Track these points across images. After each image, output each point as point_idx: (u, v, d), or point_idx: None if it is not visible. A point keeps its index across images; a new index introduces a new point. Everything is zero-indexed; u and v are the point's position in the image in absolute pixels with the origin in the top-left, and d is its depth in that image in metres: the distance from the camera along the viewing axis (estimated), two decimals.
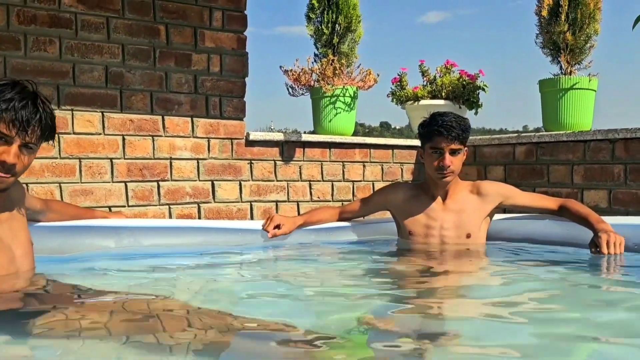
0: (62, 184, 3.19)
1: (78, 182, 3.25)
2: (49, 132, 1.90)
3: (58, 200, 3.08)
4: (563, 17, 3.96)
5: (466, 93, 4.33)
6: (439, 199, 2.90)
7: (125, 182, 3.38)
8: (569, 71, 4.03)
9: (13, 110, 1.78)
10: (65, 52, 3.22)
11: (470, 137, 2.94)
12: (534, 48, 4.20)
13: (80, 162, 3.25)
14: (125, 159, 3.38)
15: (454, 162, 2.77)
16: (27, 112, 1.81)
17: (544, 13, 4.06)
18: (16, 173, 1.86)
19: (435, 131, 2.76)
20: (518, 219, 3.11)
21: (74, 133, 3.24)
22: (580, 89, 3.95)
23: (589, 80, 3.96)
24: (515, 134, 4.20)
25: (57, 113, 3.15)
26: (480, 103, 4.39)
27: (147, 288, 2.08)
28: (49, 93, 3.17)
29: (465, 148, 2.84)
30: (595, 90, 4.01)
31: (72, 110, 3.23)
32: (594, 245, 2.51)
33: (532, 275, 2.39)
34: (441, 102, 4.35)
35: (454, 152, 2.76)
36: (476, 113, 4.43)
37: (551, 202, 2.90)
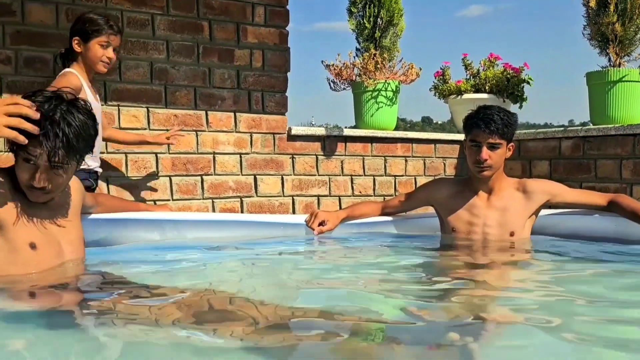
0: (109, 178, 3.26)
1: (124, 177, 3.31)
2: (74, 152, 1.85)
3: (105, 194, 3.15)
4: (612, 7, 3.86)
5: (510, 86, 4.26)
6: (484, 195, 2.85)
7: (169, 177, 3.43)
8: (617, 63, 3.92)
9: (41, 131, 1.78)
10: None
11: (515, 132, 2.88)
12: (581, 40, 4.10)
13: (126, 156, 3.32)
14: (169, 153, 3.44)
15: (492, 157, 2.70)
16: (50, 133, 1.79)
17: (592, 3, 3.95)
18: (52, 191, 1.90)
19: (474, 124, 2.72)
20: (564, 215, 3.04)
21: (120, 128, 3.30)
22: (629, 81, 3.84)
23: (639, 73, 3.85)
24: (561, 128, 4.12)
25: (104, 109, 3.22)
26: (524, 97, 4.31)
27: (195, 280, 2.11)
28: (96, 89, 3.24)
29: (510, 144, 2.78)
30: None
31: (118, 105, 3.30)
32: None
33: (577, 272, 2.34)
34: (485, 95, 4.28)
35: (492, 147, 2.70)
36: (521, 107, 4.35)
37: (600, 198, 2.82)
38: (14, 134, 1.73)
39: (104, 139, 3.13)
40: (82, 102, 1.90)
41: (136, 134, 3.30)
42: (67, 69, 2.82)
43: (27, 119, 1.75)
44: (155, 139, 3.28)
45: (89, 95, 2.80)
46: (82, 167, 2.69)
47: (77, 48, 2.83)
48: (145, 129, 3.37)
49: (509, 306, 1.79)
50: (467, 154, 2.80)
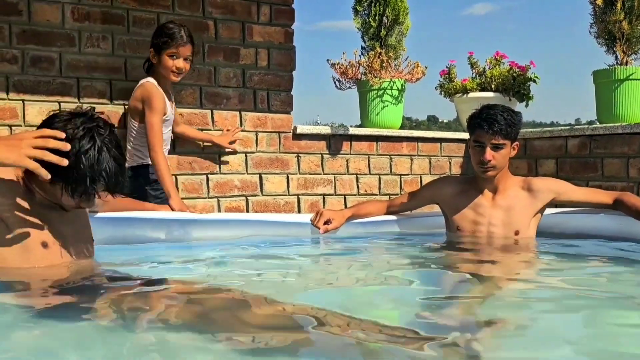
0: None
1: None
2: (114, 186, 1.86)
3: None
4: (619, 5, 3.84)
5: (516, 85, 4.25)
6: (488, 194, 2.85)
7: (175, 175, 3.44)
8: (624, 61, 3.90)
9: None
10: (117, 48, 3.30)
11: (521, 130, 2.87)
12: (587, 38, 4.09)
13: None
14: (175, 152, 3.44)
15: (496, 157, 2.69)
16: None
17: (599, 2, 3.93)
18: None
19: (477, 124, 2.71)
20: (569, 214, 3.03)
21: (126, 127, 3.30)
22: (636, 79, 3.82)
23: None
24: (568, 127, 4.10)
25: (110, 107, 3.24)
26: (531, 95, 4.30)
27: (203, 279, 2.11)
28: (102, 88, 3.25)
29: (515, 143, 2.76)
30: None
31: (124, 105, 3.30)
32: None
33: (582, 271, 2.33)
34: (491, 94, 4.27)
35: (496, 147, 2.69)
36: (527, 105, 4.34)
37: (606, 196, 2.81)
38: (35, 166, 1.71)
39: (176, 135, 3.37)
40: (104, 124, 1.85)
41: (205, 133, 3.51)
42: (146, 79, 3.06)
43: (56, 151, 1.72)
44: (219, 140, 3.51)
45: (168, 105, 3.07)
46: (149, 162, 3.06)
47: (152, 59, 3.07)
48: None
49: (514, 306, 1.79)
50: (471, 154, 2.79)
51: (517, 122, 2.73)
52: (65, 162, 1.73)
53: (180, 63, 3.03)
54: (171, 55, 3.01)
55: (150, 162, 3.06)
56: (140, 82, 3.06)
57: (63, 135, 1.75)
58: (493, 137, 2.67)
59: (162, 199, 3.03)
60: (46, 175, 1.74)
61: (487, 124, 2.67)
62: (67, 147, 1.74)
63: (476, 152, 2.73)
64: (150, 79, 3.05)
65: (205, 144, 3.52)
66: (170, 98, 3.14)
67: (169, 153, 3.39)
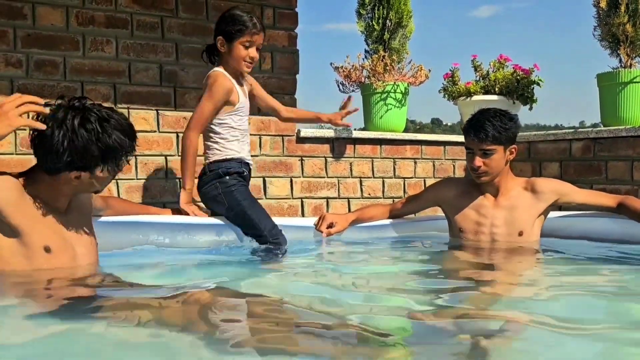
0: (118, 181, 3.28)
1: (134, 179, 3.33)
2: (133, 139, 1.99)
3: (115, 197, 3.17)
4: (623, 8, 3.83)
5: (520, 88, 4.24)
6: (491, 195, 2.85)
7: (178, 179, 3.44)
8: (629, 64, 3.90)
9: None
10: (121, 51, 3.30)
11: (525, 133, 2.87)
12: (591, 41, 4.08)
13: (136, 159, 3.33)
14: (179, 155, 3.44)
15: (487, 163, 2.70)
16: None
17: (603, 4, 3.93)
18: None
19: (466, 131, 2.74)
20: (573, 217, 3.02)
21: None
22: None
23: None
24: (572, 130, 4.09)
25: None
26: (535, 98, 4.28)
27: (208, 283, 2.11)
28: (106, 92, 3.26)
29: (512, 146, 2.75)
30: None
31: (128, 108, 3.31)
32: None
33: (586, 273, 2.33)
34: (494, 97, 4.26)
35: (485, 153, 2.69)
36: (531, 108, 4.32)
37: (609, 199, 2.81)
38: (29, 123, 1.84)
39: (285, 121, 3.37)
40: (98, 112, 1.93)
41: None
42: (216, 69, 2.86)
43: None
44: (331, 117, 3.38)
45: (239, 94, 2.87)
46: (228, 156, 2.85)
47: (221, 48, 2.84)
48: (154, 131, 3.38)
49: (518, 307, 1.79)
50: (466, 159, 2.81)
51: (510, 126, 2.71)
52: (43, 126, 1.84)
53: (254, 52, 2.82)
54: (245, 44, 2.80)
55: (226, 157, 2.86)
56: (210, 72, 2.87)
57: (42, 100, 1.87)
58: (481, 144, 2.68)
59: (227, 192, 2.82)
60: (42, 126, 1.84)
61: (474, 131, 2.69)
62: (46, 111, 1.86)
63: (468, 158, 2.77)
64: (219, 69, 2.86)
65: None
66: (244, 90, 2.96)
67: (174, 155, 3.39)
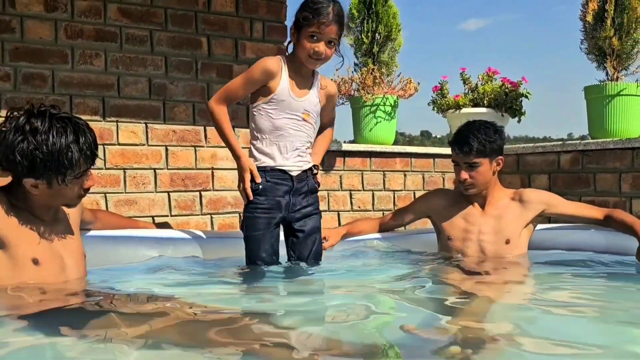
0: (107, 194, 3.26)
1: (122, 192, 3.31)
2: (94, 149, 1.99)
3: (104, 210, 3.15)
4: (609, 22, 3.88)
5: (509, 101, 4.27)
6: (479, 205, 2.88)
7: (168, 192, 3.43)
8: (615, 77, 3.94)
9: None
10: (110, 64, 3.30)
11: (513, 145, 2.90)
12: (578, 54, 4.12)
13: (124, 172, 3.31)
14: (168, 169, 3.44)
15: (473, 176, 2.74)
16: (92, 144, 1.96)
17: (589, 18, 3.97)
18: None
19: (451, 144, 2.79)
20: (561, 229, 3.04)
21: (119, 144, 3.30)
22: (627, 95, 3.85)
23: (637, 86, 3.86)
24: (560, 142, 4.12)
25: (103, 124, 3.24)
26: (523, 111, 4.32)
27: (197, 298, 2.10)
28: (95, 105, 3.25)
29: (499, 157, 2.78)
30: None
31: (117, 121, 3.30)
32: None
33: (572, 283, 2.35)
34: (483, 110, 4.29)
35: (470, 166, 2.73)
36: (519, 121, 4.36)
37: (596, 212, 2.83)
38: None
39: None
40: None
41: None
42: (281, 56, 2.54)
43: None
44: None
45: (283, 87, 2.48)
46: (258, 163, 2.49)
47: (292, 38, 2.48)
48: (143, 144, 3.37)
49: (505, 318, 1.79)
50: (454, 172, 2.85)
51: (495, 138, 2.74)
52: None
53: (320, 47, 2.39)
54: (311, 35, 2.38)
55: (263, 166, 2.51)
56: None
57: None
58: (465, 157, 2.72)
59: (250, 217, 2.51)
60: None
61: (457, 145, 2.73)
62: None
63: (455, 171, 2.82)
64: (281, 56, 2.54)
65: (197, 159, 3.51)
66: (300, 86, 2.52)
67: (163, 168, 3.38)
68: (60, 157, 1.85)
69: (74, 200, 2.01)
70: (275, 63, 2.46)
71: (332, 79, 4.15)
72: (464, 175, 2.74)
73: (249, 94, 2.54)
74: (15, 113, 1.87)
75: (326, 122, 2.79)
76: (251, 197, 2.48)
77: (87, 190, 2.01)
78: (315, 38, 2.38)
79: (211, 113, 2.53)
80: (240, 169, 2.51)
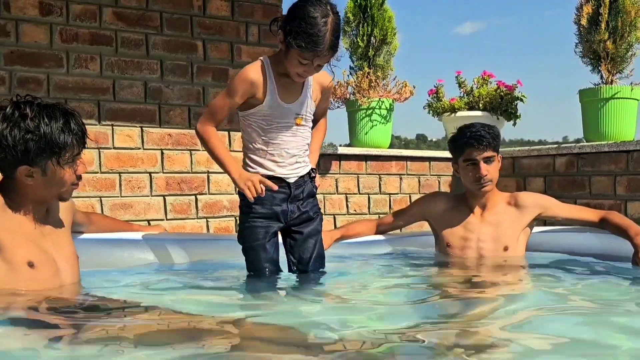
0: (102, 198, 3.25)
1: (118, 196, 3.30)
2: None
3: (98, 214, 3.14)
4: (603, 25, 3.89)
5: (504, 104, 4.28)
6: (478, 211, 2.87)
7: (163, 196, 3.42)
8: (610, 80, 3.95)
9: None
10: (105, 68, 3.30)
11: (509, 149, 2.92)
12: (573, 57, 4.14)
13: (120, 176, 3.31)
14: (163, 172, 3.43)
15: (490, 171, 2.74)
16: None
17: (584, 22, 3.99)
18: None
19: (466, 143, 2.74)
20: (558, 232, 3.04)
21: (114, 148, 3.30)
22: (622, 98, 3.87)
23: (631, 90, 3.88)
24: (555, 145, 4.13)
25: (98, 128, 3.24)
26: (518, 114, 4.33)
27: (191, 302, 2.10)
28: (90, 109, 3.24)
29: (499, 155, 2.81)
30: (637, 100, 3.92)
31: (112, 125, 3.29)
32: (635, 258, 2.51)
33: (570, 288, 2.34)
34: (478, 113, 4.30)
35: (488, 161, 2.74)
36: (514, 124, 4.37)
37: (592, 214, 2.84)
38: None
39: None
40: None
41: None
42: (260, 58, 2.33)
43: None
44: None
45: (270, 95, 2.29)
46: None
47: (280, 44, 2.23)
48: (139, 148, 3.37)
49: (504, 323, 1.78)
50: (463, 175, 2.80)
51: (498, 134, 2.81)
52: None
53: (311, 70, 2.24)
54: (303, 59, 2.18)
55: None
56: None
57: None
58: (484, 151, 2.71)
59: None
60: None
61: (475, 140, 2.71)
62: None
63: (470, 170, 2.75)
64: (263, 58, 2.32)
65: (193, 163, 3.51)
66: (292, 87, 2.33)
67: (159, 172, 3.38)
68: (53, 138, 1.87)
69: (69, 188, 1.99)
70: (256, 71, 2.27)
71: None
72: (485, 169, 2.71)
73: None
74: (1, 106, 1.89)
75: (319, 114, 2.54)
76: (273, 187, 2.31)
77: (79, 178, 2.00)
78: (306, 62, 2.19)
79: (200, 138, 2.36)
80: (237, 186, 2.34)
